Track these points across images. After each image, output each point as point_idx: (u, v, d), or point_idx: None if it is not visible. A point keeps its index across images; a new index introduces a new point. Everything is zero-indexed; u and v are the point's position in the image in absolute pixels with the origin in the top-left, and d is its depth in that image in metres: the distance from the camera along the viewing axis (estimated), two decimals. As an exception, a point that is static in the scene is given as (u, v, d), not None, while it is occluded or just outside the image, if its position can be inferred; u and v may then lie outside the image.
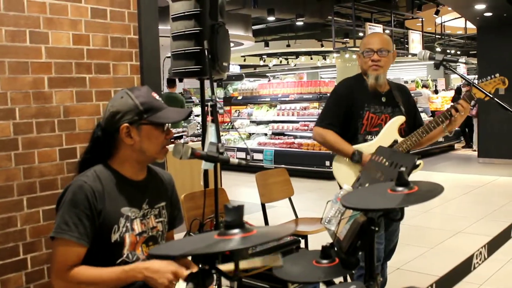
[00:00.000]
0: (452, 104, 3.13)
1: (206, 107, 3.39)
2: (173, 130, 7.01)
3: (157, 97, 2.05)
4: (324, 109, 3.35)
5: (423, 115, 12.90)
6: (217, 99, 3.21)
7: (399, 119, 3.20)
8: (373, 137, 3.18)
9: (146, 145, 2.00)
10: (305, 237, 4.14)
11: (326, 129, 3.20)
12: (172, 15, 3.50)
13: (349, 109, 3.18)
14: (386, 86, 3.28)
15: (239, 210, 1.22)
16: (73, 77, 3.00)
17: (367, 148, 3.11)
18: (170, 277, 1.84)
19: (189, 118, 7.47)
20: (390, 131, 3.17)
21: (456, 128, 12.32)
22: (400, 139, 3.16)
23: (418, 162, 3.02)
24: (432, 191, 1.52)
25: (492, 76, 3.01)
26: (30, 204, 2.83)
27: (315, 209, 6.48)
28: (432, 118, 3.30)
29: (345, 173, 3.16)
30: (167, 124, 2.04)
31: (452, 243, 5.54)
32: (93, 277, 1.90)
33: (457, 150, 13.92)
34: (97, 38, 3.10)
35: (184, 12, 3.40)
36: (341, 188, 2.81)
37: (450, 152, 13.65)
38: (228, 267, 1.36)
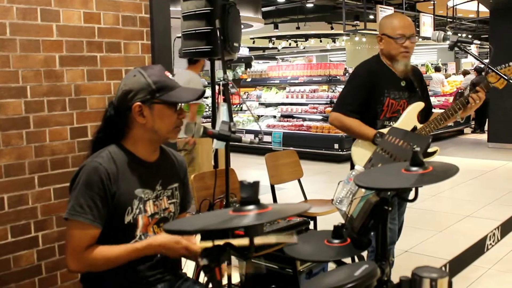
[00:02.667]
0: (468, 93, 3.10)
1: (218, 87, 3.37)
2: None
3: (170, 76, 2.04)
4: (344, 93, 3.26)
5: (432, 99, 12.84)
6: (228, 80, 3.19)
7: (419, 105, 3.17)
8: (392, 123, 3.15)
9: (158, 124, 1.99)
10: (313, 218, 4.14)
11: (346, 116, 3.14)
12: (183, -5, 3.47)
13: (370, 93, 3.13)
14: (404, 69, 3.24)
15: (254, 186, 1.21)
16: (84, 56, 2.99)
17: None
18: (183, 251, 1.89)
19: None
20: (409, 117, 3.14)
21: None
22: (419, 126, 3.13)
23: (434, 149, 3.03)
24: (447, 171, 1.51)
25: (506, 64, 2.96)
26: (41, 182, 2.84)
27: (324, 191, 6.51)
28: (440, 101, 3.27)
29: (364, 155, 3.12)
30: (179, 104, 2.03)
31: (460, 227, 5.53)
32: (108, 257, 1.91)
33: (466, 134, 13.84)
34: (108, 16, 3.09)
35: (195, -9, 3.37)
36: (352, 169, 2.80)
37: (459, 136, 13.58)
38: (241, 242, 1.36)
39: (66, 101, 2.93)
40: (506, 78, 2.77)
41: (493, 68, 2.85)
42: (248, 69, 12.81)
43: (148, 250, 1.92)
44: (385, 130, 3.08)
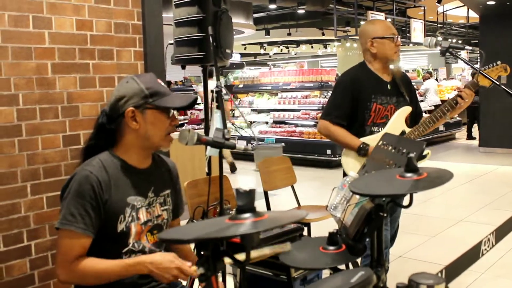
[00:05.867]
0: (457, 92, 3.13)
1: (211, 94, 3.37)
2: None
3: (162, 83, 2.04)
4: (330, 101, 3.27)
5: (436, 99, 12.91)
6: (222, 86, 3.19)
7: (406, 110, 3.18)
8: (380, 128, 3.16)
9: (150, 130, 1.98)
10: (307, 224, 4.14)
11: (332, 123, 3.16)
12: (175, 2, 3.47)
13: (355, 100, 3.14)
14: (390, 75, 3.26)
15: (250, 194, 1.21)
16: (77, 63, 2.98)
17: (375, 140, 3.09)
18: (175, 272, 1.83)
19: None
20: (397, 122, 3.15)
21: (458, 118, 12.21)
22: (407, 130, 3.14)
23: (425, 152, 3.04)
24: (441, 177, 1.51)
25: (494, 63, 3.01)
26: (34, 190, 2.83)
27: (317, 197, 6.50)
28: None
29: (354, 164, 3.13)
30: (172, 111, 2.03)
31: (453, 232, 5.54)
32: (97, 270, 1.89)
33: (458, 139, 13.90)
34: (101, 23, 3.08)
35: (187, -2, 3.38)
36: (346, 175, 2.80)
37: (451, 141, 13.64)
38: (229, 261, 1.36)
39: (59, 108, 2.92)
40: (497, 83, 2.80)
41: (484, 74, 2.87)
42: (240, 71, 12.84)
43: (139, 266, 1.87)
44: (369, 139, 3.09)
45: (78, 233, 1.87)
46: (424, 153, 3.06)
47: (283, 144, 9.44)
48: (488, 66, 3.02)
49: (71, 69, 2.96)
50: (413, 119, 3.27)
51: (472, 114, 13.00)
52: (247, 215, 1.22)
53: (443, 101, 13.51)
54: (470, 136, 13.69)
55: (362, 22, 13.51)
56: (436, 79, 18.25)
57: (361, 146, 3.07)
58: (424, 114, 3.43)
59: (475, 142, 12.40)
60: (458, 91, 3.13)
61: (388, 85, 3.21)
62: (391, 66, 3.21)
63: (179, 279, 1.94)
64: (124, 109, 1.97)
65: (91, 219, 1.89)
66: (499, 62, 3.01)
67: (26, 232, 2.80)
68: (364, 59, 3.27)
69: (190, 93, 11.87)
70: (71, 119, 2.97)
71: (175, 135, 2.06)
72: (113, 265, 1.89)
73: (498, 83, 2.77)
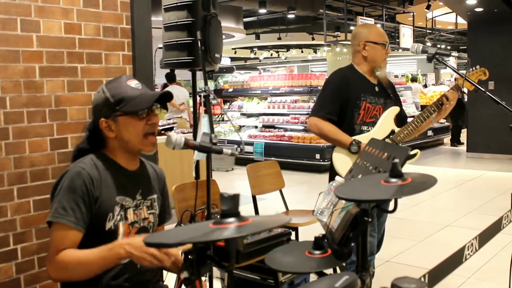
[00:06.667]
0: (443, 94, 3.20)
1: (199, 98, 3.37)
2: (163, 122, 6.96)
3: (133, 85, 2.03)
4: (320, 99, 3.29)
5: (412, 109, 12.97)
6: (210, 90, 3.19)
7: (395, 109, 3.24)
8: (369, 128, 3.19)
9: (126, 135, 2.01)
10: (295, 229, 4.15)
11: (322, 119, 3.18)
12: (164, 6, 3.48)
13: (345, 98, 3.16)
14: (375, 78, 3.31)
15: (234, 199, 1.22)
16: (65, 67, 2.98)
17: (366, 139, 3.11)
18: (151, 258, 1.81)
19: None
20: (387, 121, 3.19)
21: (446, 123, 12.28)
22: (396, 129, 3.19)
23: (414, 151, 3.07)
24: (425, 182, 1.52)
25: (474, 68, 3.16)
26: (20, 194, 2.81)
27: (305, 201, 6.51)
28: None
29: (345, 164, 3.14)
30: (146, 111, 2.02)
31: (441, 237, 5.58)
32: (77, 258, 1.87)
33: (446, 144, 13.98)
34: (89, 27, 3.08)
35: (176, 3, 3.39)
36: (332, 180, 2.81)
37: (439, 146, 13.72)
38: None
39: (46, 112, 2.91)
40: (478, 86, 2.88)
41: (470, 80, 2.93)
42: (230, 75, 12.83)
43: (117, 249, 1.84)
44: (361, 137, 3.11)
45: (69, 226, 1.88)
46: (413, 152, 3.10)
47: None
48: (468, 70, 3.14)
49: (59, 73, 2.95)
50: (399, 122, 3.31)
51: (455, 120, 13.07)
52: (231, 219, 1.22)
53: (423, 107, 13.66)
54: (455, 142, 13.64)
55: (352, 28, 13.57)
56: (425, 85, 18.41)
57: (354, 142, 3.09)
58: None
59: (463, 147, 12.49)
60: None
61: (376, 87, 3.27)
62: (377, 73, 3.26)
63: (164, 282, 1.95)
64: (98, 119, 2.01)
65: (82, 214, 1.90)
66: (478, 66, 3.17)
67: (12, 235, 2.79)
68: (353, 61, 3.32)
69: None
70: (58, 123, 2.96)
71: (160, 138, 2.06)
72: (92, 251, 1.88)
73: (479, 86, 2.85)
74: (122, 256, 1.86)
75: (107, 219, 1.97)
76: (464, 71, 3.07)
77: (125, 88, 2.02)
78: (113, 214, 1.99)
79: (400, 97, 3.66)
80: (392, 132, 3.18)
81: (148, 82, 2.17)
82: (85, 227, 1.92)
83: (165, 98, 2.06)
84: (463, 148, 12.39)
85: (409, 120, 3.33)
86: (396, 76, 16.51)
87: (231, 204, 1.21)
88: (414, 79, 16.34)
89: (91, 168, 1.97)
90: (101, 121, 2.00)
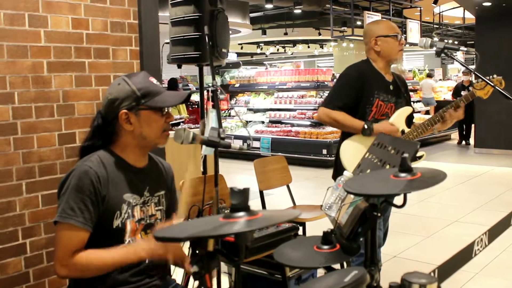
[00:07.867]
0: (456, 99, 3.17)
1: (207, 93, 3.37)
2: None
3: (154, 81, 2.05)
4: (333, 91, 3.27)
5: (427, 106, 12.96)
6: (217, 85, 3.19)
7: (407, 110, 3.23)
8: None
9: (146, 130, 2.00)
10: (302, 224, 4.15)
11: (333, 110, 3.16)
12: (171, 1, 3.47)
13: (359, 93, 3.15)
14: (391, 75, 3.29)
15: (244, 193, 1.21)
16: (72, 62, 2.98)
17: (379, 125, 3.11)
18: (163, 251, 1.90)
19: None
20: (398, 120, 3.18)
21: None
22: (407, 129, 3.17)
23: (421, 153, 3.07)
24: (435, 177, 1.52)
25: (491, 76, 3.00)
26: (29, 188, 2.83)
27: (312, 196, 6.52)
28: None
29: (352, 158, 3.12)
30: (166, 108, 2.04)
31: (448, 232, 5.56)
32: (104, 261, 1.90)
33: (453, 140, 13.93)
34: (97, 22, 3.08)
35: (184, -2, 3.38)
36: (337, 174, 2.81)
37: (446, 142, 13.67)
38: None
39: (54, 107, 2.91)
40: (493, 84, 2.81)
41: (479, 75, 2.89)
42: (237, 70, 12.85)
43: (139, 252, 1.92)
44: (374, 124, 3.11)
45: (78, 227, 1.88)
46: (419, 154, 3.09)
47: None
48: (483, 78, 3.01)
49: (67, 68, 2.96)
50: (408, 122, 3.30)
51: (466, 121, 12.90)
52: (241, 213, 1.22)
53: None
54: (462, 139, 13.44)
55: (358, 22, 13.55)
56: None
57: (366, 126, 3.08)
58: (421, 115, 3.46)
59: (471, 143, 12.43)
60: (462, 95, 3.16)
61: (391, 86, 3.25)
62: (394, 65, 3.24)
63: (172, 276, 1.95)
64: (117, 111, 1.99)
65: (90, 213, 1.90)
66: (495, 76, 3.03)
67: (21, 230, 2.80)
68: (369, 58, 3.30)
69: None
70: (66, 118, 2.97)
71: (171, 133, 2.07)
72: (111, 255, 1.92)
73: (493, 85, 2.79)
74: (143, 258, 1.91)
75: (114, 217, 1.98)
76: (472, 66, 3.01)
77: (149, 83, 2.03)
78: (120, 212, 1.99)
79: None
80: (403, 132, 3.17)
81: (156, 77, 2.17)
82: (93, 226, 1.93)
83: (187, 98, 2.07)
84: (471, 143, 12.34)
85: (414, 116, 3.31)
86: (410, 71, 16.46)
87: (241, 198, 1.21)
88: (430, 75, 16.27)
89: (98, 166, 1.96)
90: (122, 113, 1.98)
